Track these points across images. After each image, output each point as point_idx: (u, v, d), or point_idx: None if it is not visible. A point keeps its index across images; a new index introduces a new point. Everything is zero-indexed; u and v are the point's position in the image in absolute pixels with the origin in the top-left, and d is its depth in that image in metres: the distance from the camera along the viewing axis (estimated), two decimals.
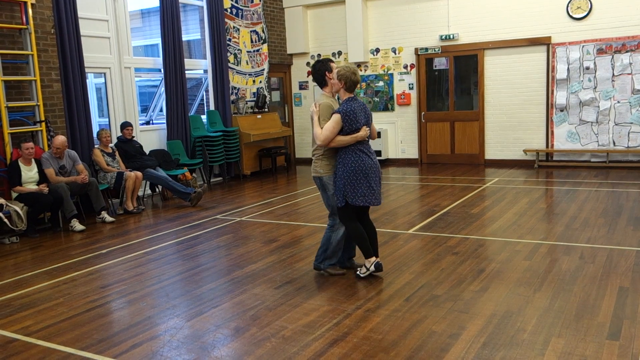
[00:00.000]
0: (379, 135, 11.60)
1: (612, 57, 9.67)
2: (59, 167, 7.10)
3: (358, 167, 4.34)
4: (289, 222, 6.76)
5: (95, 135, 8.14)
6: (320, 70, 4.55)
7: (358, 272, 4.57)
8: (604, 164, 9.93)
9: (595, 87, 9.86)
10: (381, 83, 11.83)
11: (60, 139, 7.03)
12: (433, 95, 11.56)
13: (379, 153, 11.69)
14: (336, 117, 4.33)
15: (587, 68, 9.87)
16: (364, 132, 4.38)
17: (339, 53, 12.17)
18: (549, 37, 10.10)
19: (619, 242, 5.25)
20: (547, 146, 10.45)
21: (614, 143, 9.86)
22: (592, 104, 9.92)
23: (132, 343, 3.53)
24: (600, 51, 9.75)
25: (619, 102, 9.73)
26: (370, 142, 4.57)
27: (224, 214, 7.47)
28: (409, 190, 8.74)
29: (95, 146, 7.93)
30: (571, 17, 9.93)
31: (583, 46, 9.86)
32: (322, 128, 4.36)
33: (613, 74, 9.71)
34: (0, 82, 6.77)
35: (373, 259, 4.52)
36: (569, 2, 9.90)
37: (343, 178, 4.36)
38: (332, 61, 4.63)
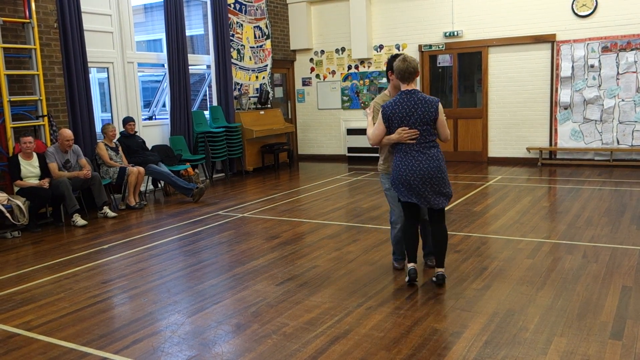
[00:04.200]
0: None
1: (617, 55, 9.62)
2: (64, 161, 7.11)
3: (396, 167, 4.13)
4: (291, 218, 6.75)
5: (99, 130, 8.14)
6: (388, 65, 4.35)
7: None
8: (608, 163, 9.90)
9: (599, 85, 9.82)
10: (385, 80, 11.79)
11: (68, 131, 7.09)
12: (436, 92, 11.51)
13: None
14: (379, 114, 4.16)
15: (592, 66, 9.82)
16: (397, 135, 4.05)
17: (342, 49, 12.13)
18: (554, 35, 10.05)
19: (622, 241, 5.22)
20: (550, 144, 10.41)
21: (617, 141, 9.82)
22: (596, 102, 9.87)
23: (134, 339, 3.53)
24: (605, 49, 9.70)
25: (623, 100, 9.69)
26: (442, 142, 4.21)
27: (226, 210, 7.46)
28: None
29: (100, 140, 7.92)
30: (576, 14, 9.88)
31: (588, 44, 9.81)
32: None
33: (618, 72, 9.66)
34: (3, 76, 6.76)
35: (411, 265, 4.29)
36: None
37: (392, 176, 4.22)
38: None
